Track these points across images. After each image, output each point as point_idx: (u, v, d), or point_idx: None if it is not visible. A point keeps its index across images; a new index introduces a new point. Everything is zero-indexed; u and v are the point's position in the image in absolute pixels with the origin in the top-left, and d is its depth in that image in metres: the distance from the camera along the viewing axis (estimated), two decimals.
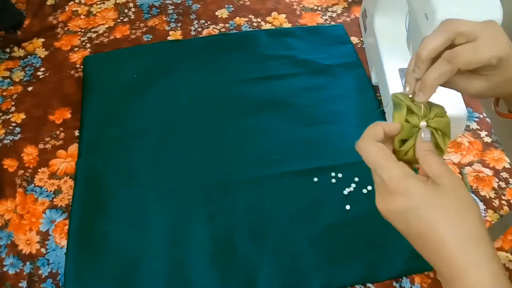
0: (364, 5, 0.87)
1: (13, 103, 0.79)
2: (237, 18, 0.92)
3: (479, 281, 0.35)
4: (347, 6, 0.94)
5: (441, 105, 0.46)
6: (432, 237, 0.37)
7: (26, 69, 0.84)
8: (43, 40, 0.89)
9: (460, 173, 0.69)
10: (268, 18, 0.91)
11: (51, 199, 0.68)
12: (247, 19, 0.91)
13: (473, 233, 0.37)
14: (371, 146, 0.41)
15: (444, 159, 0.41)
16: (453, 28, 0.43)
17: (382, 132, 0.42)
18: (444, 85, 0.44)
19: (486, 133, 0.73)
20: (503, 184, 0.68)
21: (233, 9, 0.93)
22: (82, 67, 0.84)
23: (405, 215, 0.38)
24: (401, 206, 0.38)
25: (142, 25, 0.91)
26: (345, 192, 0.66)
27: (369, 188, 0.66)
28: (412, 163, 0.44)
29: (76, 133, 0.75)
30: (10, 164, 0.71)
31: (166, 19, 0.92)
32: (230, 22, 0.91)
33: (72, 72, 0.84)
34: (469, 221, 0.37)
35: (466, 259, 0.36)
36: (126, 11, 0.94)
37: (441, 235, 0.37)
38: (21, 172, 0.70)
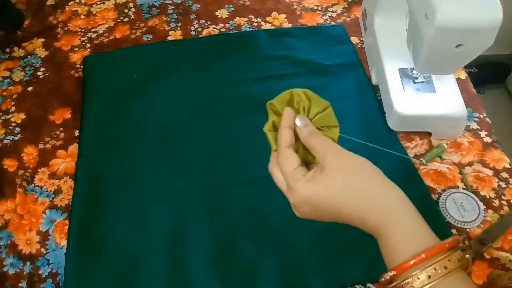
0: (364, 5, 0.87)
1: (13, 103, 0.79)
2: (237, 18, 0.92)
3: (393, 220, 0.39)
4: (347, 6, 0.94)
5: (321, 100, 0.48)
6: (342, 217, 0.42)
7: (26, 69, 0.84)
8: (43, 40, 0.89)
9: (461, 173, 0.69)
10: (268, 18, 0.91)
11: (51, 199, 0.68)
12: (247, 19, 0.91)
13: (368, 192, 0.40)
14: (273, 170, 0.45)
15: (329, 137, 0.45)
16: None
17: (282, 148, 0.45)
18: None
19: (486, 133, 0.73)
20: (503, 184, 0.68)
21: (233, 9, 0.93)
22: (82, 67, 0.84)
23: (315, 215, 0.43)
24: (306, 211, 0.43)
25: (142, 25, 0.91)
26: None
27: None
28: (310, 160, 0.46)
29: (76, 133, 0.75)
30: (10, 164, 0.71)
31: (166, 19, 0.92)
32: (230, 22, 0.91)
33: (72, 72, 0.84)
34: (361, 184, 0.40)
35: (374, 218, 0.40)
36: (126, 11, 0.94)
37: (346, 212, 0.41)
38: (21, 172, 0.70)
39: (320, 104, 0.47)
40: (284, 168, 0.43)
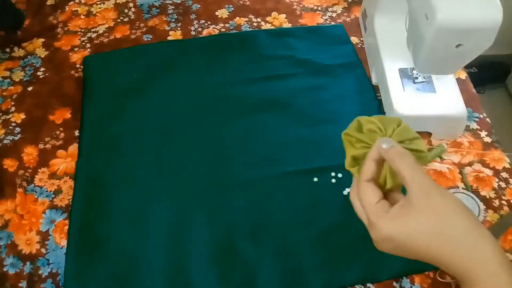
0: (364, 5, 0.87)
1: (13, 103, 0.79)
2: (237, 18, 0.92)
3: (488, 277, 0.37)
4: (347, 6, 0.94)
5: (394, 117, 0.47)
6: (428, 259, 0.39)
7: (26, 69, 0.84)
8: (43, 40, 0.89)
9: (460, 173, 0.69)
10: (268, 18, 0.91)
11: (51, 199, 0.68)
12: (247, 19, 0.91)
13: (460, 239, 0.38)
14: (354, 200, 0.44)
15: (414, 149, 0.44)
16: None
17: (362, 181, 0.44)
18: None
19: (486, 133, 0.73)
20: (503, 184, 0.68)
21: (233, 9, 0.93)
22: (82, 67, 0.84)
23: (396, 252, 0.41)
24: (387, 247, 0.41)
25: (142, 25, 0.91)
26: (345, 192, 0.66)
27: None
28: (398, 187, 0.44)
29: (76, 133, 0.75)
30: (10, 164, 0.71)
31: (166, 19, 0.92)
32: (230, 22, 0.91)
33: (72, 72, 0.84)
34: (453, 230, 0.38)
35: (464, 265, 0.38)
36: (126, 11, 0.94)
37: (433, 256, 0.39)
38: (21, 172, 0.70)
39: (392, 121, 0.45)
40: (364, 202, 0.42)
